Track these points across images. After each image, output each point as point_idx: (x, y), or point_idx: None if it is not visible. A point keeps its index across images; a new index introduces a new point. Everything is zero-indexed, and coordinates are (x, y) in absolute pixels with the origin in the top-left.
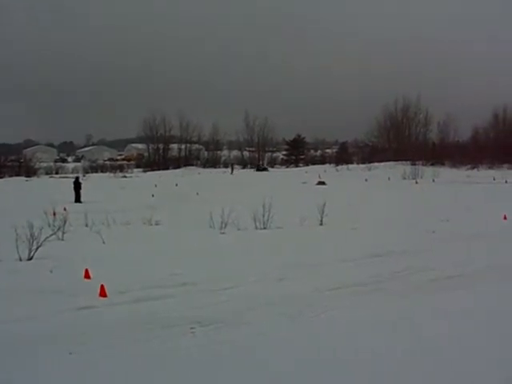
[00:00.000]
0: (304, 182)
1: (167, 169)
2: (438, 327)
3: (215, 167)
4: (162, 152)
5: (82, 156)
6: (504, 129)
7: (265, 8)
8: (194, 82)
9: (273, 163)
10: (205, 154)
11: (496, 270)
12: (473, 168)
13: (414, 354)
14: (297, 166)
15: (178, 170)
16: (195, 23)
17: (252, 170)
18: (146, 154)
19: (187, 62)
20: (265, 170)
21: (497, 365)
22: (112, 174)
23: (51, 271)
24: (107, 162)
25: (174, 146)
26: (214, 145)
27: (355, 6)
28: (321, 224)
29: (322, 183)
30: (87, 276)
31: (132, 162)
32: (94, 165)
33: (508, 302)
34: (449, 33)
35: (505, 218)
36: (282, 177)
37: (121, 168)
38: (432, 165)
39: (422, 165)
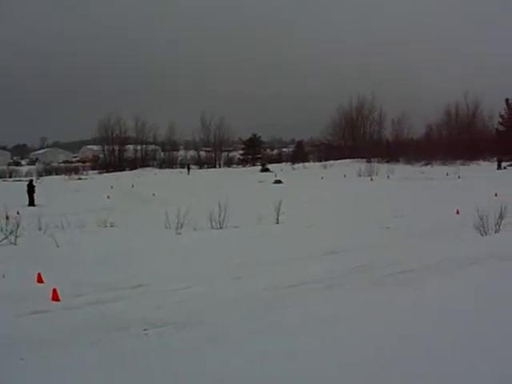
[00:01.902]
0: (261, 181)
1: (123, 170)
2: (394, 324)
3: (172, 168)
4: (117, 153)
5: (37, 159)
6: (456, 126)
7: (218, 8)
8: (149, 82)
9: (229, 163)
10: (161, 154)
11: (450, 264)
12: (427, 164)
13: (368, 353)
14: (254, 165)
15: (134, 171)
16: (146, 22)
17: (209, 169)
18: (101, 156)
19: (141, 63)
20: (267, 170)
21: (455, 360)
22: (67, 177)
23: (3, 276)
24: (62, 165)
25: (130, 146)
26: (171, 145)
27: (312, 5)
28: (277, 222)
29: (278, 182)
30: (40, 280)
31: (87, 164)
32: (49, 167)
33: (460, 294)
34: (398, 32)
35: (457, 212)
36: (238, 176)
37: (76, 170)
38: (387, 162)
39: (377, 162)
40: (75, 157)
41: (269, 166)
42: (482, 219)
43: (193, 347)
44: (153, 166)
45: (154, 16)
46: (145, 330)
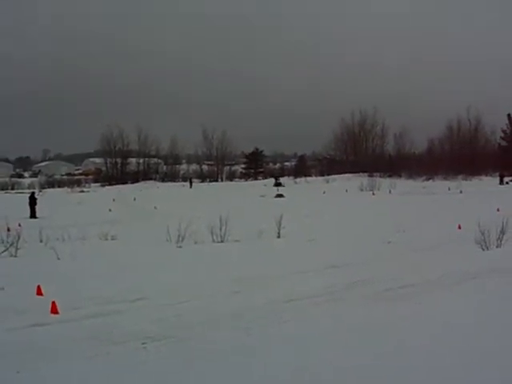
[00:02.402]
0: (262, 195)
1: (126, 183)
2: (394, 337)
3: (174, 181)
4: (120, 166)
5: (39, 171)
6: (458, 140)
7: (220, 20)
8: (152, 95)
9: (231, 177)
10: (163, 167)
11: (451, 279)
12: (429, 179)
13: (368, 364)
14: (256, 179)
15: (136, 184)
16: (148, 35)
17: (211, 183)
18: (103, 169)
19: (144, 76)
20: (280, 185)
21: (454, 370)
22: (69, 189)
23: (3, 288)
24: (65, 177)
25: (133, 160)
26: (173, 159)
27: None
28: (278, 236)
29: (280, 196)
30: (39, 293)
31: (90, 177)
32: (51, 180)
33: (460, 308)
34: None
35: (459, 227)
36: (240, 190)
37: (78, 183)
38: (389, 176)
39: (380, 176)
40: (78, 169)
41: (281, 180)
42: (483, 234)
43: (190, 362)
44: (155, 179)
45: (155, 28)
46: (143, 343)
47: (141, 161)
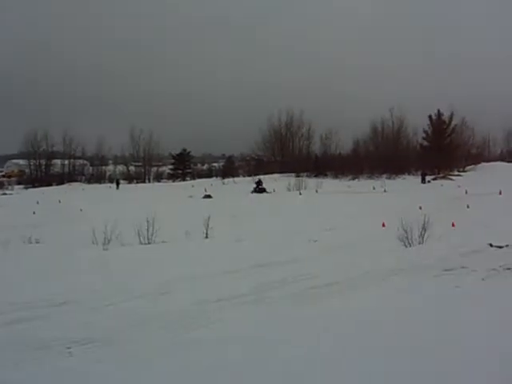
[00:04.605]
0: (190, 196)
1: (51, 185)
2: (318, 334)
3: (100, 183)
4: (44, 168)
5: None
6: (382, 141)
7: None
8: (77, 96)
9: (159, 178)
10: (89, 169)
11: (374, 276)
12: (354, 179)
13: (291, 363)
14: (184, 180)
15: (61, 186)
16: (71, 35)
17: (139, 184)
18: (27, 171)
19: (69, 76)
20: (264, 191)
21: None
22: None
23: None
24: None
25: (58, 161)
26: (99, 160)
27: (235, 22)
28: (206, 237)
29: (208, 196)
30: None
31: (13, 179)
32: None
33: (379, 305)
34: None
35: (383, 225)
36: (168, 190)
37: (0, 185)
38: (315, 176)
39: (306, 176)
40: (0, 171)
41: (265, 186)
42: (406, 231)
43: (117, 364)
44: (81, 180)
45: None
46: (68, 348)
47: (66, 162)
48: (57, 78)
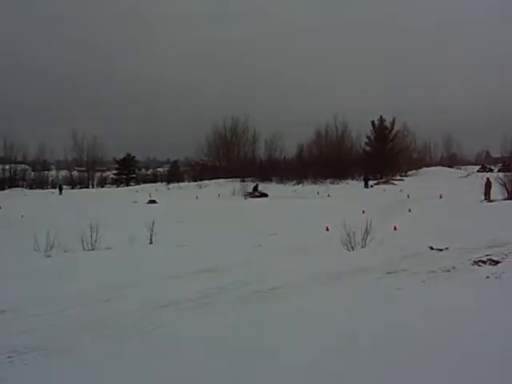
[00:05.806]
0: (135, 201)
1: None
2: (264, 337)
3: (43, 188)
4: None
5: None
6: (326, 145)
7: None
8: (18, 100)
9: (103, 183)
10: (31, 174)
11: (318, 279)
12: (299, 183)
13: (240, 364)
14: (128, 185)
15: (1, 192)
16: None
17: (82, 189)
18: None
19: (11, 79)
20: (264, 195)
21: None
22: None
23: None
24: None
25: None
26: (41, 165)
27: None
28: (151, 243)
29: (152, 201)
30: None
31: None
32: None
33: (323, 306)
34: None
35: (327, 229)
36: (112, 196)
37: None
38: (260, 181)
39: (252, 181)
40: None
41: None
42: (349, 235)
43: (60, 373)
44: (22, 186)
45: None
46: (9, 357)
47: (6, 167)
48: None
